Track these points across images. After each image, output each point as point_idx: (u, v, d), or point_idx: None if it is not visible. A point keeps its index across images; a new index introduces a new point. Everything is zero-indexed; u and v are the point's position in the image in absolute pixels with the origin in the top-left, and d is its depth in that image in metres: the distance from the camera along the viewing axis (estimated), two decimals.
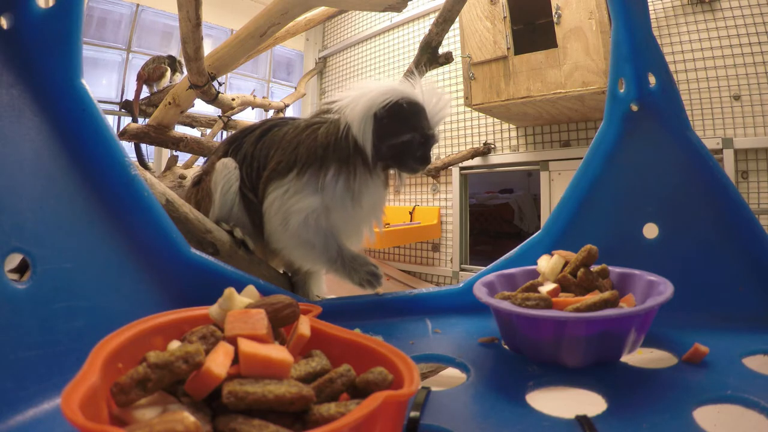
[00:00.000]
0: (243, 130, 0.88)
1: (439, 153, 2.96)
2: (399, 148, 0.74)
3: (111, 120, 2.94)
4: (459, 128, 2.91)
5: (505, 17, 2.18)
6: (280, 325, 0.38)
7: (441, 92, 0.77)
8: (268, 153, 0.80)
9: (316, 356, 0.36)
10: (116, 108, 2.95)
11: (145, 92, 2.75)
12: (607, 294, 0.51)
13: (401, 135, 0.74)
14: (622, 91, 0.78)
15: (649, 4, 0.77)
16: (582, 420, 0.38)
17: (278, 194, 0.76)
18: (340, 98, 0.77)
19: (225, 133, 2.90)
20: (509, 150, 2.71)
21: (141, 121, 2.54)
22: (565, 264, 0.61)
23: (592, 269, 0.59)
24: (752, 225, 0.69)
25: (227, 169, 0.81)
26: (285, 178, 0.76)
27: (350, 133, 0.73)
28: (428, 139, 0.76)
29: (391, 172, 0.82)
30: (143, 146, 2.13)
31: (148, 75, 2.70)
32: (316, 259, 0.79)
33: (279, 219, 0.76)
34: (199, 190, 0.85)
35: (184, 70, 2.42)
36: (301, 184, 0.75)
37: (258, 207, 0.81)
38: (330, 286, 0.94)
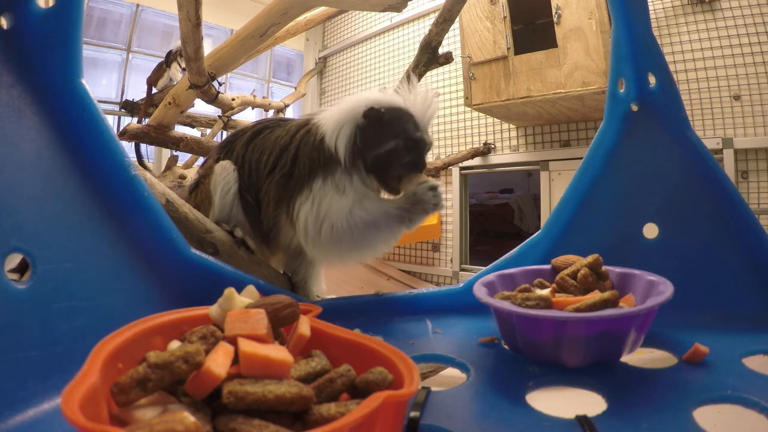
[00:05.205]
0: (235, 132, 0.87)
1: (439, 153, 2.96)
2: (385, 158, 0.70)
3: (111, 120, 2.94)
4: (459, 128, 2.91)
5: (505, 17, 2.18)
6: (280, 325, 0.38)
7: (426, 91, 0.72)
8: (260, 156, 0.80)
9: (316, 356, 0.36)
10: (116, 108, 2.95)
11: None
12: (607, 294, 0.51)
13: (384, 144, 0.69)
14: (622, 91, 0.78)
15: (649, 4, 0.77)
16: (582, 420, 0.38)
17: (307, 207, 0.72)
18: (323, 112, 0.75)
19: (225, 133, 2.90)
20: (509, 150, 2.71)
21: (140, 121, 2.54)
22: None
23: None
24: (752, 225, 0.69)
25: (226, 171, 0.82)
26: (303, 192, 0.73)
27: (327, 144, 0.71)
28: (416, 144, 0.70)
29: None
30: (143, 146, 2.13)
31: (154, 78, 2.70)
32: (386, 233, 0.72)
33: (327, 228, 0.71)
34: (198, 193, 0.86)
35: (181, 63, 2.43)
36: (324, 191, 0.71)
37: (255, 208, 0.81)
38: (330, 286, 0.94)
